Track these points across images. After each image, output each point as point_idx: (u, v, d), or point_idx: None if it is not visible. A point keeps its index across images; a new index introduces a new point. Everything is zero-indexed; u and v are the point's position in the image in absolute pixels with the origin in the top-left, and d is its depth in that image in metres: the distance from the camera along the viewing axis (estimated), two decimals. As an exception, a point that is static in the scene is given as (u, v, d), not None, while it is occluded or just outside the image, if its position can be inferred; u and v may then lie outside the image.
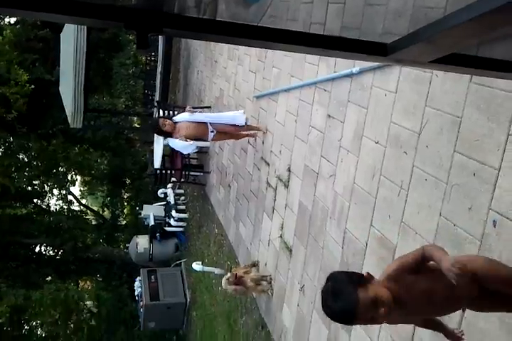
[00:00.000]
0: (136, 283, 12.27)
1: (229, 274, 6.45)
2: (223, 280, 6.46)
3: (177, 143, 6.94)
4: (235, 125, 6.98)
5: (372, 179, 4.09)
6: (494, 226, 2.78)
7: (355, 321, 1.88)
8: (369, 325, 3.97)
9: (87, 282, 20.12)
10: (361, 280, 1.90)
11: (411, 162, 3.59)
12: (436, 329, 2.32)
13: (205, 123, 6.88)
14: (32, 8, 0.91)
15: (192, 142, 6.81)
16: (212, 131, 6.88)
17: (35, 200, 19.66)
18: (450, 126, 3.22)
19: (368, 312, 1.83)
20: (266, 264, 6.57)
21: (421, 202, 3.46)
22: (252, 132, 7.16)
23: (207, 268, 8.48)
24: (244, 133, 7.22)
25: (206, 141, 7.32)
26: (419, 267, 1.96)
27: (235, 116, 7.06)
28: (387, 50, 1.13)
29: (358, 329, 4.16)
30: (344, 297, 1.84)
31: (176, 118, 6.96)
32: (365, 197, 4.20)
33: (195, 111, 7.08)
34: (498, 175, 2.79)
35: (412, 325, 3.44)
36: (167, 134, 6.97)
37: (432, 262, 1.96)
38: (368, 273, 1.95)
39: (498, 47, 1.34)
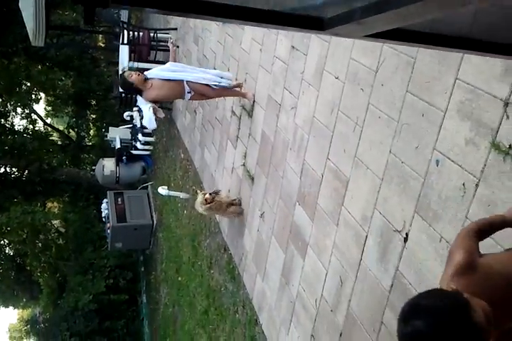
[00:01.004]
0: (103, 205, 12.41)
1: (208, 195, 6.15)
2: (199, 200, 6.20)
3: (145, 113, 6.17)
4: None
5: (331, 114, 4.22)
6: (437, 165, 2.97)
7: None
8: (321, 249, 4.25)
9: (54, 203, 20.26)
10: (461, 297, 1.37)
11: (367, 99, 3.72)
12: None
13: (182, 81, 5.94)
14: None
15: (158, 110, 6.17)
16: (189, 92, 5.99)
17: (-3, 119, 19.30)
18: (405, 66, 3.33)
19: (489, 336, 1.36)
20: (229, 191, 6.78)
21: (373, 138, 3.62)
22: (240, 91, 6.26)
23: (172, 193, 8.65)
24: (229, 94, 6.35)
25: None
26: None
27: (221, 75, 6.08)
28: (323, 26, 1.22)
29: (311, 254, 4.45)
30: (461, 330, 1.30)
31: (149, 74, 5.99)
32: (323, 130, 4.34)
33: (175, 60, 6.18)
34: (444, 117, 2.94)
35: (360, 253, 3.72)
36: (137, 91, 6.08)
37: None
38: (452, 287, 1.50)
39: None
